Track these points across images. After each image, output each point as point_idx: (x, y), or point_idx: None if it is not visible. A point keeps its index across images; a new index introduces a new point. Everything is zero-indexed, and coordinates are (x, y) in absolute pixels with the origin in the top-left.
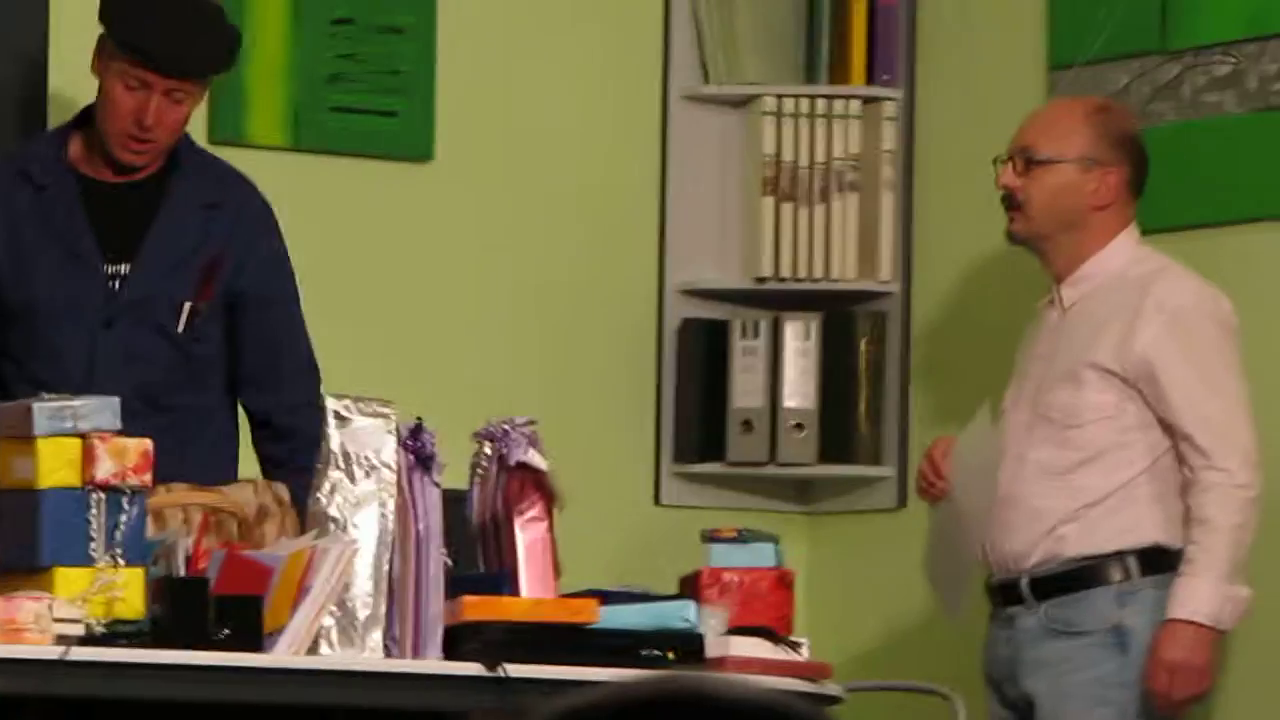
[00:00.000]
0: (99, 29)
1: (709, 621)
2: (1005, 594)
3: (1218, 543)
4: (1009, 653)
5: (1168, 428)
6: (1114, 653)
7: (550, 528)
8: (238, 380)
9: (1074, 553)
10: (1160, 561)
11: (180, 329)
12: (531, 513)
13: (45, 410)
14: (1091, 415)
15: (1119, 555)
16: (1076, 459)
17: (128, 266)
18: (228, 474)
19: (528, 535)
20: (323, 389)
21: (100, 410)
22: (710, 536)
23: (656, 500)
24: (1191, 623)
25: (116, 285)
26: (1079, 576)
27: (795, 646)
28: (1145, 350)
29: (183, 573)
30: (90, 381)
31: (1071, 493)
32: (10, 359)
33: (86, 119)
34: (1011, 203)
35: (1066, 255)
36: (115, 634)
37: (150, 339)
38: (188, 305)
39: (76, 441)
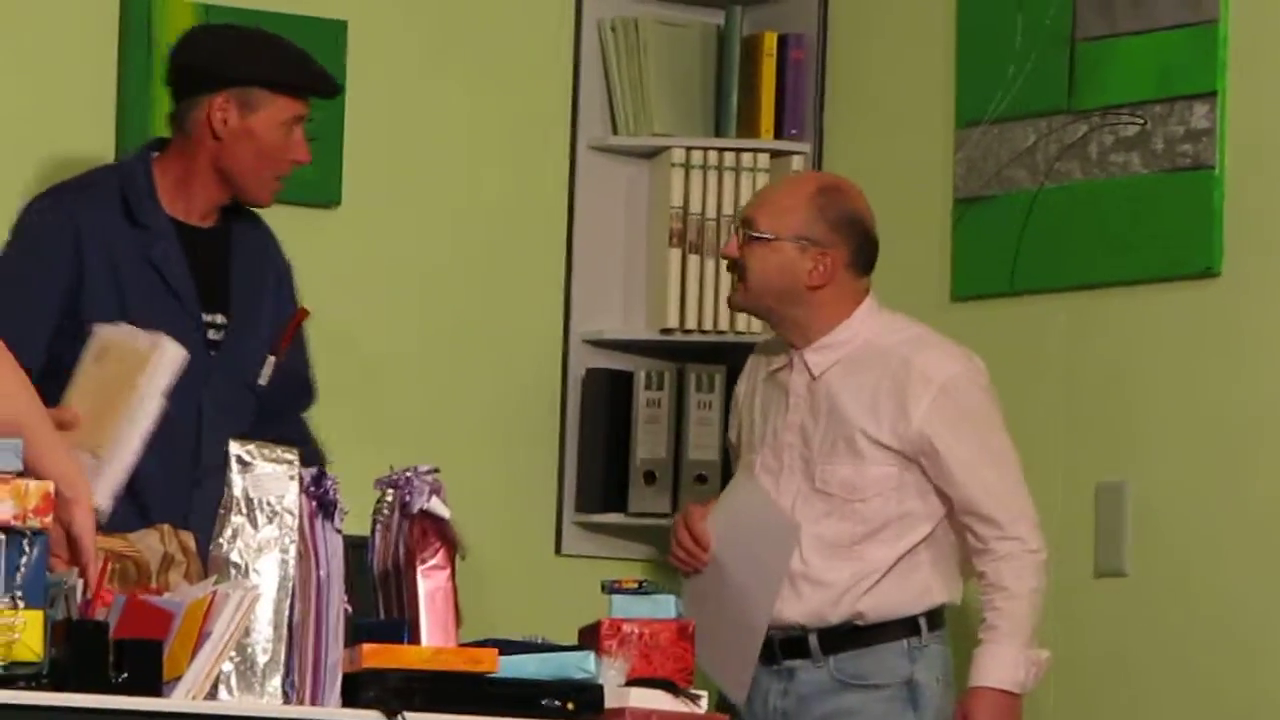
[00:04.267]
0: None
1: (608, 673)
2: (786, 647)
3: (1018, 609)
4: (786, 705)
5: (944, 495)
6: (907, 707)
7: (451, 576)
8: (259, 415)
9: (865, 622)
10: (943, 618)
11: (263, 382)
12: (433, 561)
13: None
14: (874, 489)
15: (910, 618)
16: (862, 532)
17: (220, 317)
18: None
19: (429, 583)
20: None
21: (0, 451)
22: (611, 587)
23: (558, 550)
24: (1000, 690)
25: (212, 335)
26: (870, 633)
27: (695, 699)
28: (922, 426)
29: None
30: (199, 436)
31: (858, 565)
32: None
33: (158, 147)
34: (732, 270)
35: (797, 327)
36: (13, 676)
37: (237, 391)
38: (271, 359)
39: None
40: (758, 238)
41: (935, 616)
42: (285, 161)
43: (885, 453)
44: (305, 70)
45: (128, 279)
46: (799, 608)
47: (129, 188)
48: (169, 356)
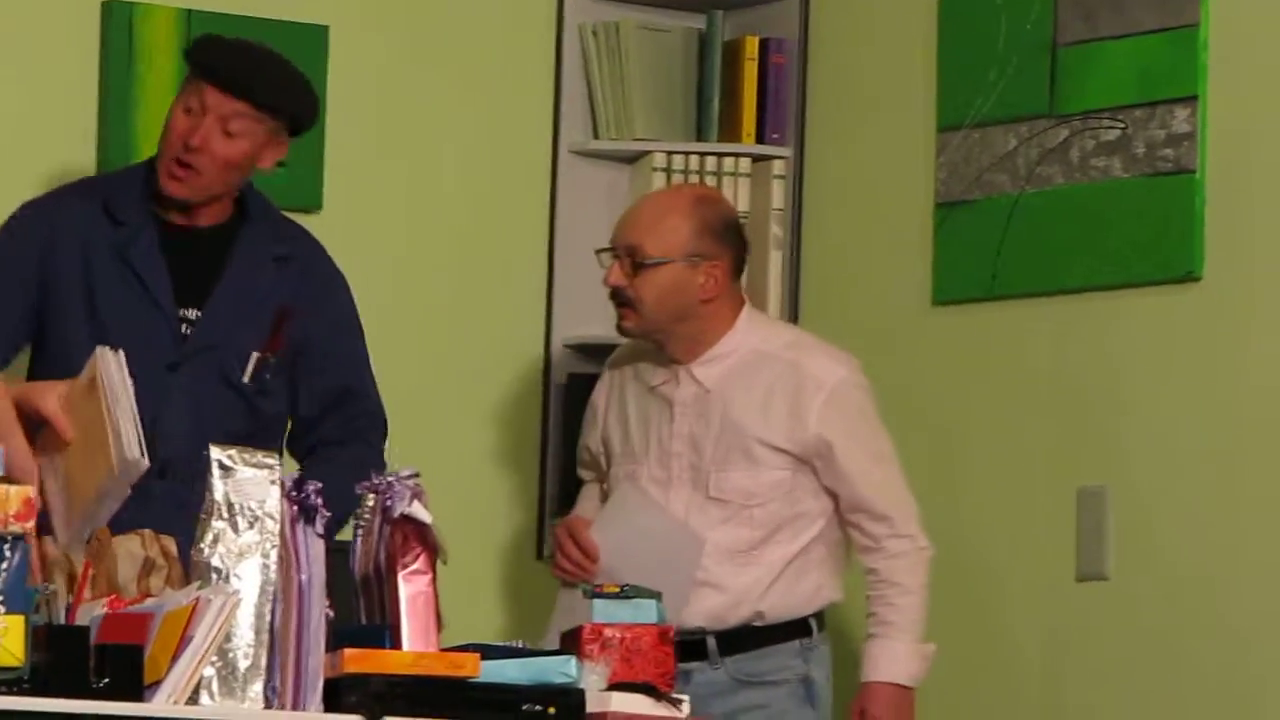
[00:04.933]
0: None
1: (590, 677)
2: (683, 650)
3: (911, 605)
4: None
5: (832, 494)
6: (804, 704)
7: (433, 581)
8: (293, 429)
9: (764, 622)
10: (826, 618)
11: (246, 379)
12: (414, 565)
13: None
14: (770, 494)
15: (802, 619)
16: (759, 536)
17: (197, 313)
18: None
19: (410, 588)
20: (387, 443)
21: None
22: (593, 592)
23: (539, 555)
24: (896, 684)
25: (185, 330)
26: (766, 634)
27: (676, 703)
28: (819, 428)
29: (63, 622)
30: (156, 425)
31: (756, 569)
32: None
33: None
34: (621, 300)
35: (685, 342)
36: None
37: (215, 387)
38: (255, 355)
39: None
40: (649, 263)
41: (822, 617)
42: (176, 144)
43: (780, 456)
44: (212, 53)
45: (99, 272)
46: (698, 611)
47: (117, 187)
48: (129, 469)
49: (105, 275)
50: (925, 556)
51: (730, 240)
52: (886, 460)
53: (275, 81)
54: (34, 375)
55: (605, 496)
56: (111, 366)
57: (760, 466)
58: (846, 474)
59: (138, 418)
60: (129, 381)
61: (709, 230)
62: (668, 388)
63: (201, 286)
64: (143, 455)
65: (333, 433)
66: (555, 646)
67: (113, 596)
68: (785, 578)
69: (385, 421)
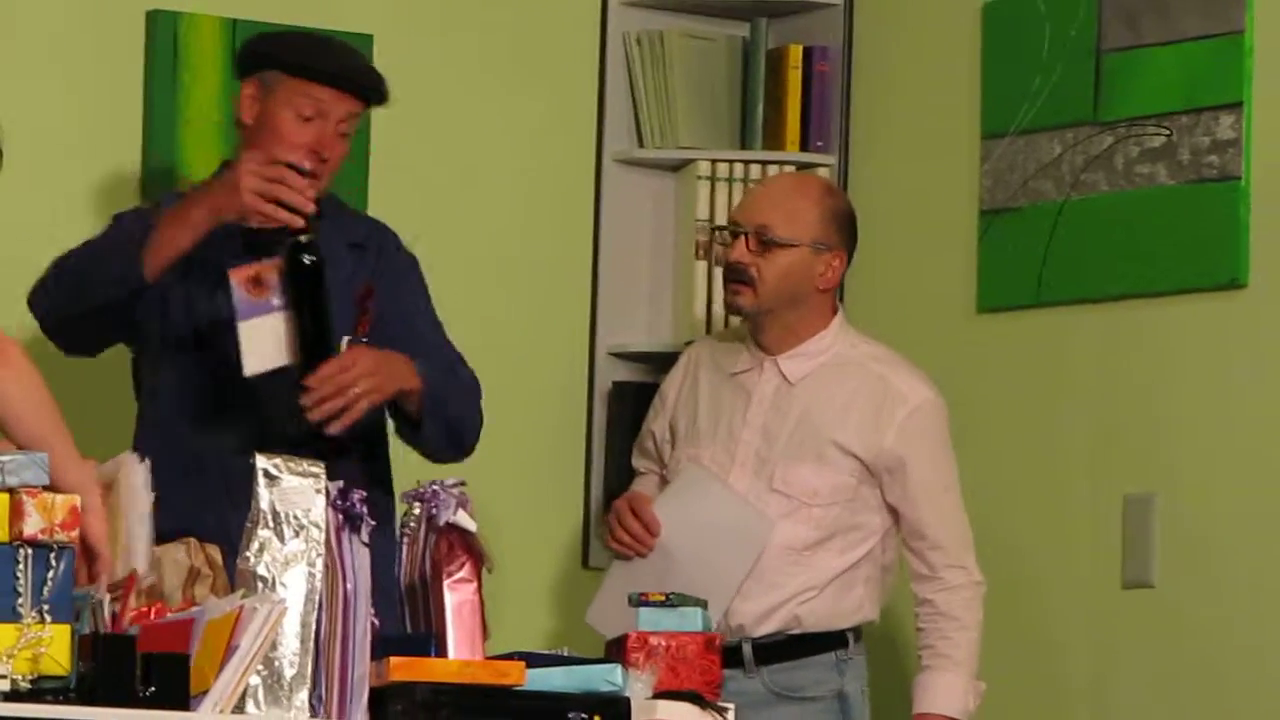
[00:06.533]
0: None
1: (635, 685)
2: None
3: (967, 639)
4: None
5: (893, 511)
6: (839, 718)
7: (479, 589)
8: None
9: (806, 629)
10: (862, 632)
11: None
12: (460, 574)
13: None
14: (832, 497)
15: (842, 630)
16: (815, 537)
17: None
18: None
19: (456, 596)
20: (465, 370)
21: (28, 466)
22: (639, 600)
23: (585, 563)
24: (947, 717)
25: None
26: (803, 645)
27: (722, 711)
28: (895, 443)
29: (109, 630)
30: (267, 424)
31: (808, 570)
32: (164, 385)
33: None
34: (741, 277)
35: (783, 330)
36: (40, 690)
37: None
38: (346, 339)
39: (3, 497)
40: (778, 243)
41: (859, 630)
42: (300, 155)
43: (850, 461)
44: (325, 60)
45: (194, 280)
46: (744, 606)
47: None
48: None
49: (200, 283)
50: (981, 592)
51: (850, 236)
52: (953, 490)
53: (378, 76)
54: (138, 383)
55: (663, 486)
56: (137, 477)
57: (828, 467)
58: (913, 496)
59: (151, 532)
60: (150, 495)
61: (835, 221)
62: (749, 376)
63: None
64: (150, 571)
65: None
66: (602, 619)
67: (158, 605)
68: (831, 589)
69: (454, 357)
